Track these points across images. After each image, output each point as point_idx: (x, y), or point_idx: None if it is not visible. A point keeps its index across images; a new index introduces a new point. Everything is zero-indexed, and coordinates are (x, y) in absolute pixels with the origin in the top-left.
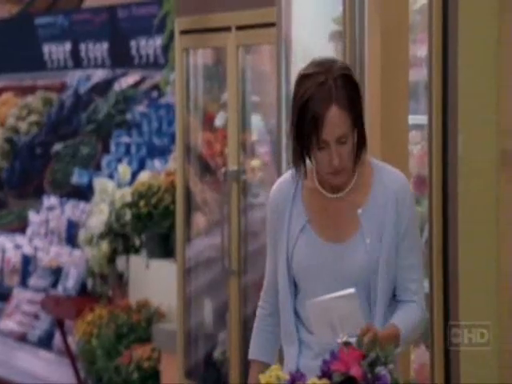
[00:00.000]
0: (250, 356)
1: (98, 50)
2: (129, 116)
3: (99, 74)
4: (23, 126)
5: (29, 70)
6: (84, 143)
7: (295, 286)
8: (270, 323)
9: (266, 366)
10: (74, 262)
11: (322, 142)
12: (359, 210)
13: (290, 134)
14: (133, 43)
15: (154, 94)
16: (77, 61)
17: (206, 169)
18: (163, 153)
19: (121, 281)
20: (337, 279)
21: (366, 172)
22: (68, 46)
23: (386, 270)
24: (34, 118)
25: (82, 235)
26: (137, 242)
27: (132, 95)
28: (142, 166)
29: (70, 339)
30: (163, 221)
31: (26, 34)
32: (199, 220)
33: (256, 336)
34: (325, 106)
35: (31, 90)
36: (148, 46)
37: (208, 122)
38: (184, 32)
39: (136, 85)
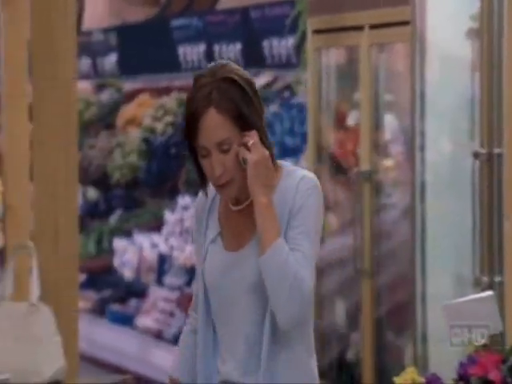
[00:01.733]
0: (170, 371)
1: (232, 50)
2: None
3: None
4: (159, 126)
5: (164, 72)
6: None
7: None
8: (192, 342)
9: None
10: None
11: (202, 148)
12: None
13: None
14: (265, 44)
15: (286, 93)
16: (211, 62)
17: (338, 168)
18: (295, 152)
19: None
20: (238, 289)
21: (275, 181)
22: (202, 47)
23: None
24: (169, 118)
25: None
26: None
27: (264, 95)
28: None
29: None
30: None
31: (162, 36)
32: (331, 220)
33: (178, 353)
34: (202, 109)
35: (166, 91)
36: (280, 46)
37: (340, 121)
38: (316, 31)
39: (268, 85)
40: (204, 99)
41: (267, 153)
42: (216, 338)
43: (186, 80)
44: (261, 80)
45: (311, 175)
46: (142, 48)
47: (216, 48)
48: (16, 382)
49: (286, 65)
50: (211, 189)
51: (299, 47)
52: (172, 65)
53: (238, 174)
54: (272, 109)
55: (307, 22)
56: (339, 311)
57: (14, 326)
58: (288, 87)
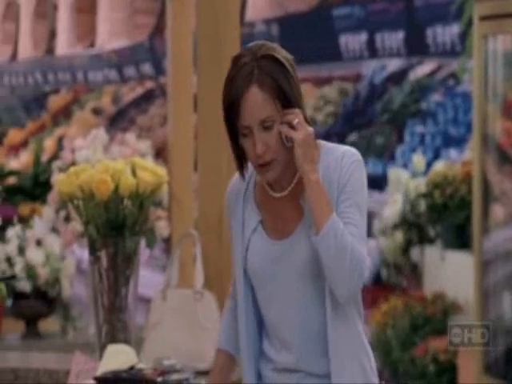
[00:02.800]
0: (219, 345)
1: (394, 39)
2: (424, 105)
3: (394, 64)
4: (320, 116)
5: (325, 61)
6: (378, 133)
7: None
8: (231, 317)
9: (231, 358)
10: (369, 252)
11: (244, 127)
12: (301, 200)
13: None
14: (429, 31)
15: (451, 82)
16: (372, 51)
17: (505, 159)
18: (459, 142)
19: (415, 271)
20: (289, 277)
21: None
22: (364, 36)
23: None
24: (330, 108)
25: (376, 225)
26: (432, 233)
27: (427, 84)
28: (437, 155)
29: (364, 328)
30: (459, 212)
31: (324, 26)
32: (498, 211)
33: (226, 326)
34: (244, 87)
35: (327, 80)
36: (444, 33)
37: (508, 110)
38: (483, 18)
39: (432, 73)
40: (246, 77)
41: (312, 130)
42: (259, 325)
43: (347, 69)
44: (424, 69)
45: (353, 150)
46: (304, 38)
47: (378, 37)
48: (182, 367)
49: (451, 53)
50: (246, 175)
51: (464, 34)
52: (333, 54)
53: (280, 154)
54: (435, 98)
55: (474, 8)
56: (506, 304)
57: (179, 312)
58: (452, 75)
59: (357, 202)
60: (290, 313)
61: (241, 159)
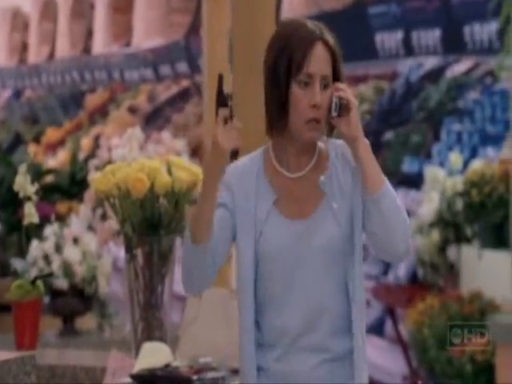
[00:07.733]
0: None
1: (430, 37)
2: (461, 103)
3: (431, 62)
4: None
5: (361, 59)
6: (415, 131)
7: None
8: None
9: None
10: None
11: (307, 75)
12: (321, 177)
13: (267, 79)
14: (466, 29)
15: (488, 80)
16: (409, 49)
17: None
18: (497, 140)
19: (452, 271)
20: (310, 257)
21: (325, 149)
22: (400, 34)
23: (358, 235)
24: (366, 106)
25: (412, 224)
26: (469, 232)
27: (464, 82)
28: (474, 154)
29: (401, 327)
30: (497, 210)
31: (359, 24)
32: None
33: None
34: (313, 39)
35: (363, 79)
36: (482, 31)
37: None
38: None
39: (469, 71)
40: (314, 32)
41: None
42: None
43: (382, 68)
44: (461, 67)
45: None
46: (339, 36)
47: (414, 35)
48: (217, 365)
49: (488, 50)
50: (249, 162)
51: (502, 32)
52: (369, 52)
53: (324, 119)
54: (472, 96)
55: None
56: None
57: (215, 311)
58: (490, 73)
59: None
60: (310, 293)
61: (276, 116)
